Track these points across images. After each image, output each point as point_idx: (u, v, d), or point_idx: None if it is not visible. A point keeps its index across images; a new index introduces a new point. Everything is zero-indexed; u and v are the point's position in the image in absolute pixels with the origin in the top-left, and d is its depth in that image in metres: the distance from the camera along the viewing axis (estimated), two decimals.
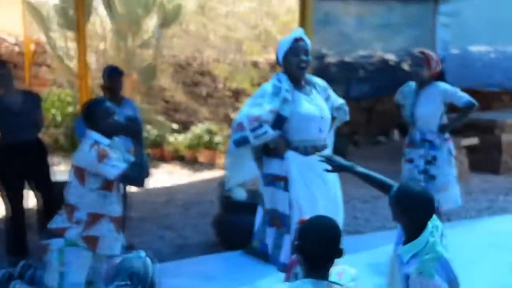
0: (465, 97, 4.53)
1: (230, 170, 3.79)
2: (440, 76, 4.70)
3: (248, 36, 9.24)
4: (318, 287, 2.04)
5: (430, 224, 2.37)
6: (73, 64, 7.84)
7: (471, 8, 8.86)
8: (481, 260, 4.42)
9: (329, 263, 2.10)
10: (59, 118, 8.51)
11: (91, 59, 8.14)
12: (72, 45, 7.74)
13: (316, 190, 3.52)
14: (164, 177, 7.89)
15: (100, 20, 8.34)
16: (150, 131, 8.70)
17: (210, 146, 8.53)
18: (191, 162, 8.51)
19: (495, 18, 8.47)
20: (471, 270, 3.93)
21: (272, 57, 9.53)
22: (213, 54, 9.41)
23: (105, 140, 2.99)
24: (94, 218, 2.98)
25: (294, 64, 3.35)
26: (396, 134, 10.04)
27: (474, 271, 3.90)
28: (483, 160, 7.79)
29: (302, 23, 4.94)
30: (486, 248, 4.67)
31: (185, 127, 9.47)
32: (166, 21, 7.33)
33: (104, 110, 3.00)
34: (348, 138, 9.18)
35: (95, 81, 7.91)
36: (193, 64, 9.49)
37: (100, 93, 5.63)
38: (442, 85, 4.58)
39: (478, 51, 8.74)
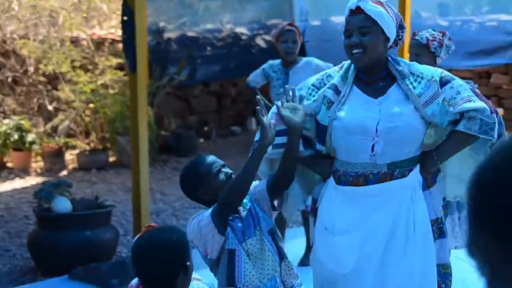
0: None
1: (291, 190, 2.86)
2: (301, 51, 4.90)
3: (64, 6, 8.93)
4: None
5: None
6: None
7: None
8: None
9: (170, 284, 2.14)
10: None
11: None
12: None
13: (354, 243, 2.62)
14: None
15: None
16: None
17: (22, 147, 8.18)
18: None
19: None
20: None
21: (97, 32, 9.33)
22: (19, 29, 8.98)
23: None
24: None
25: (346, 49, 2.61)
26: (253, 122, 10.33)
27: None
28: None
29: None
30: None
31: None
32: None
33: None
34: (196, 131, 9.28)
35: None
36: None
37: None
38: (313, 60, 4.81)
39: (340, 23, 9.24)
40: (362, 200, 2.60)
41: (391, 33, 2.56)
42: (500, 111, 8.55)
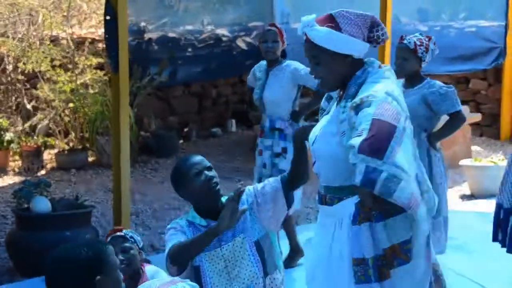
0: None
1: None
2: (283, 55, 4.90)
3: (43, 5, 8.86)
4: None
5: None
6: None
7: None
8: None
9: None
10: None
11: None
12: None
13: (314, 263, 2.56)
14: None
15: None
16: None
17: (0, 145, 8.11)
18: None
19: None
20: None
21: (77, 31, 9.26)
22: None
23: None
24: None
25: None
26: (233, 124, 10.34)
27: None
28: None
29: None
30: None
31: None
32: None
33: None
34: (176, 132, 9.26)
35: None
36: None
37: None
38: (293, 64, 4.76)
39: None
40: (323, 221, 2.51)
41: (351, 49, 2.36)
42: (478, 116, 8.72)
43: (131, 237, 3.15)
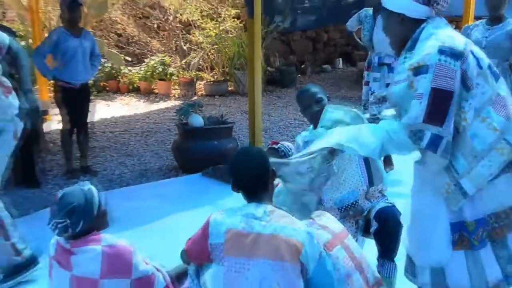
0: None
1: None
2: None
3: None
4: (259, 208, 2.03)
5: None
6: None
7: None
8: None
9: (261, 186, 2.07)
10: None
11: None
12: None
13: None
14: (121, 108, 7.77)
15: None
16: (104, 64, 8.45)
17: (164, 77, 8.41)
18: (147, 93, 8.39)
19: None
20: None
21: None
22: None
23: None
24: None
25: None
26: (339, 62, 10.12)
27: None
28: None
29: None
30: None
31: (138, 59, 9.25)
32: None
33: None
34: (295, 68, 9.20)
35: (45, 15, 7.55)
36: None
37: (54, 26, 5.31)
38: None
39: None
40: None
41: (401, 8, 2.04)
42: None
43: (282, 151, 2.98)
